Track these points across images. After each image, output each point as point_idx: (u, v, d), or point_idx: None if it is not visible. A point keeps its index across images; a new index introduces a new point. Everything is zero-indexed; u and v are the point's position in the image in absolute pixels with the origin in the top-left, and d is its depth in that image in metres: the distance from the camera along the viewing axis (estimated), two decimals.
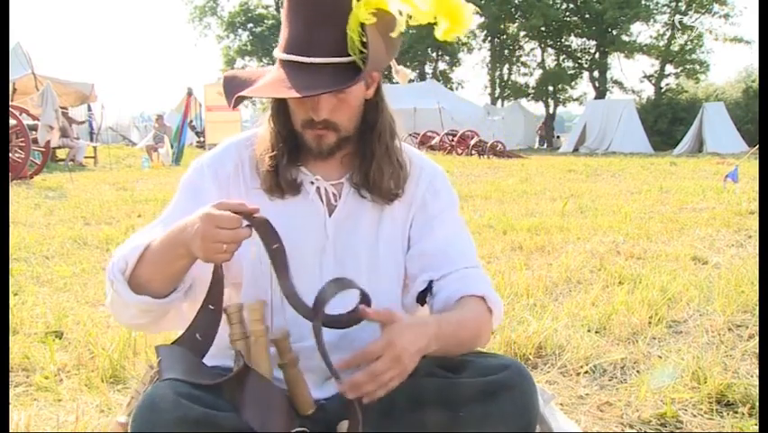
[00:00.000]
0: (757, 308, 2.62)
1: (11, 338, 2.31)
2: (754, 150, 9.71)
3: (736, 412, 1.80)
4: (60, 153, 13.46)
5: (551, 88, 34.36)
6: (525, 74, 36.82)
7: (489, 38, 36.01)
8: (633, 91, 33.68)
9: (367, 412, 1.17)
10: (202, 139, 18.58)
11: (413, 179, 1.36)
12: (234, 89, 1.21)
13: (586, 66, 34.49)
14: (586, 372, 2.10)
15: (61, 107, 12.17)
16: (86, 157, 13.64)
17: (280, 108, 1.28)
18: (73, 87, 15.77)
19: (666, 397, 1.86)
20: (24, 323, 2.52)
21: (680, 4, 31.15)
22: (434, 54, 37.79)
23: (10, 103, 9.91)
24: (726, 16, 30.81)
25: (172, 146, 13.77)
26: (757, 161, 8.32)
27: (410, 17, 1.16)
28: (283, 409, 1.12)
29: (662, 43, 31.91)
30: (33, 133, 10.04)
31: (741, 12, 47.02)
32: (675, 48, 31.75)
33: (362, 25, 1.11)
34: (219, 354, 1.24)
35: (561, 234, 4.79)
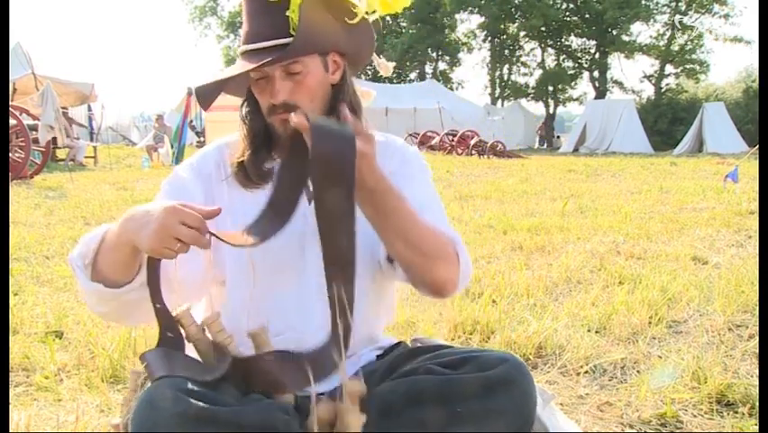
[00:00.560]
0: (757, 308, 2.62)
1: (11, 338, 2.31)
2: (754, 150, 9.71)
3: (736, 412, 1.80)
4: (60, 153, 13.46)
5: (551, 88, 34.35)
6: (525, 74, 36.84)
7: (489, 38, 36.00)
8: (633, 91, 33.70)
9: (366, 411, 1.17)
10: (202, 139, 18.56)
11: (383, 154, 1.34)
12: (203, 91, 1.29)
13: (586, 66, 34.49)
14: (586, 372, 2.10)
15: (62, 107, 12.17)
16: (86, 157, 13.64)
17: (250, 103, 1.32)
18: (73, 87, 15.77)
19: (666, 397, 1.86)
20: (24, 323, 2.52)
21: (680, 4, 31.15)
22: (434, 54, 37.78)
23: (10, 103, 9.91)
24: (726, 16, 30.81)
25: (172, 146, 13.77)
26: (757, 161, 8.32)
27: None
28: (297, 368, 1.11)
29: (662, 43, 31.91)
30: (33, 133, 10.04)
31: (741, 12, 47.12)
32: (675, 48, 31.75)
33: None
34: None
35: (561, 234, 4.79)
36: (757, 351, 2.18)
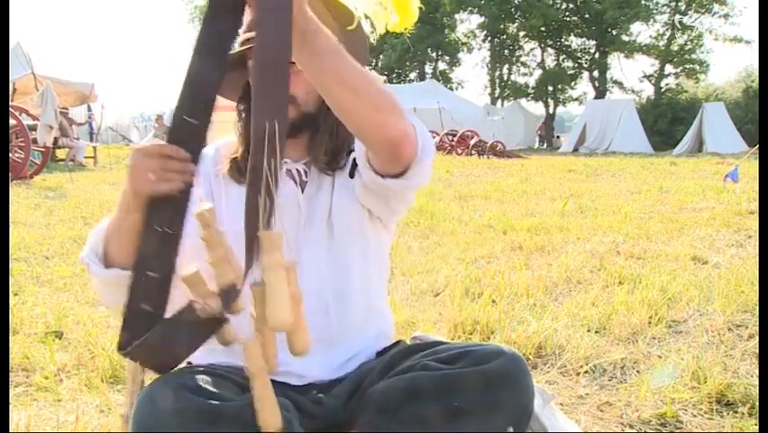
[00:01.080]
0: (757, 308, 2.62)
1: (11, 338, 2.31)
2: (754, 150, 9.71)
3: (736, 412, 1.80)
4: (60, 153, 13.45)
5: (551, 88, 34.34)
6: (524, 74, 36.82)
7: (489, 38, 36.00)
8: (633, 91, 33.68)
9: (365, 409, 1.18)
10: None
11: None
12: None
13: (586, 66, 34.48)
14: (586, 372, 2.10)
15: (61, 107, 12.17)
16: (86, 157, 13.63)
17: (245, 102, 1.35)
18: (73, 87, 15.76)
19: (666, 397, 1.86)
20: (24, 323, 2.52)
21: (680, 4, 31.14)
22: (434, 54, 37.78)
23: (10, 103, 9.91)
24: (726, 16, 30.80)
25: None
26: (757, 161, 8.32)
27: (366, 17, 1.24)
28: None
29: (661, 43, 31.90)
30: (33, 133, 10.04)
31: (741, 12, 47.07)
32: (675, 48, 31.74)
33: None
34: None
35: (561, 234, 4.79)
36: (757, 351, 2.18)
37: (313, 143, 1.35)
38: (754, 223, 5.18)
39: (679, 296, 2.92)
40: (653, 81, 32.27)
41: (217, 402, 1.03)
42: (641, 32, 41.84)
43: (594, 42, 33.31)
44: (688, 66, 31.18)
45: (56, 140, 11.16)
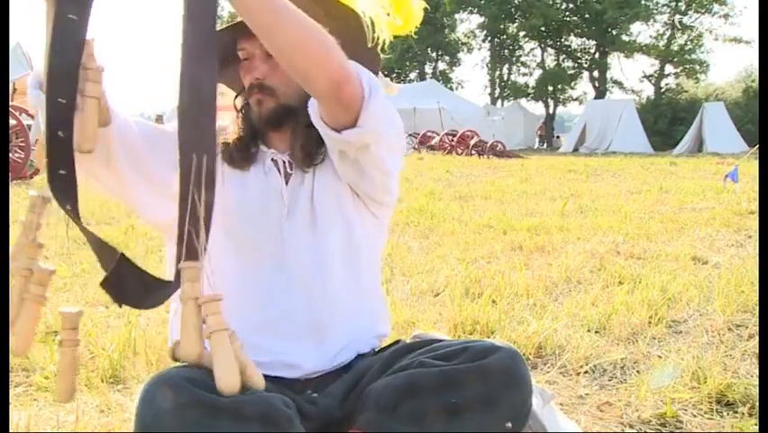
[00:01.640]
0: (757, 308, 2.62)
1: (11, 338, 2.31)
2: (754, 150, 9.71)
3: (736, 412, 1.80)
4: None
5: (551, 88, 34.36)
6: (524, 74, 36.90)
7: (489, 38, 36.03)
8: (633, 91, 33.74)
9: (363, 407, 1.18)
10: None
11: None
12: None
13: (586, 66, 34.51)
14: (586, 372, 2.10)
15: None
16: None
17: (241, 89, 1.41)
18: None
19: (666, 397, 1.86)
20: None
21: (680, 4, 31.17)
22: (434, 54, 37.79)
23: (10, 103, 9.91)
24: (726, 16, 30.87)
25: None
26: (757, 161, 8.32)
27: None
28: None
29: (661, 43, 31.93)
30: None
31: (741, 12, 47.09)
32: (675, 48, 31.76)
33: None
34: None
35: (561, 234, 4.79)
36: (757, 351, 2.18)
37: (293, 137, 1.37)
38: (754, 223, 5.18)
39: (679, 296, 2.92)
40: (653, 81, 32.31)
41: (218, 396, 1.03)
42: (641, 32, 41.97)
43: (594, 42, 33.34)
44: (688, 66, 31.21)
45: None
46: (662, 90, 31.70)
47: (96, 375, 2.02)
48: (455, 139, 18.41)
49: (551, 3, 31.96)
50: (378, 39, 1.32)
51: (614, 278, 3.32)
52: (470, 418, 1.13)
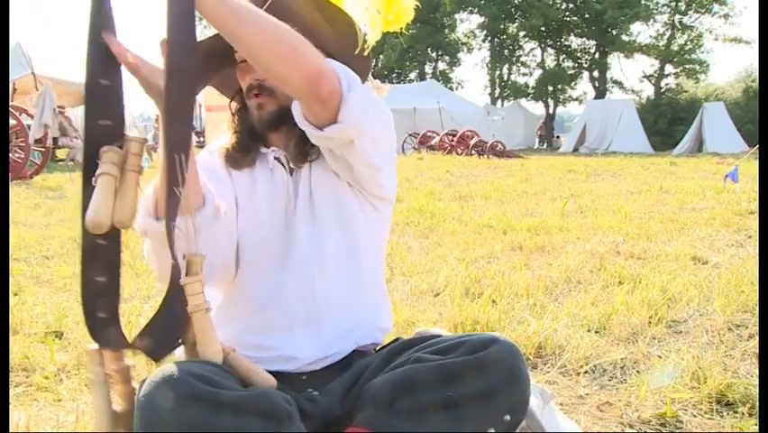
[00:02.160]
0: (757, 308, 2.62)
1: (11, 338, 2.31)
2: (754, 150, 9.70)
3: (736, 412, 1.80)
4: (60, 153, 13.45)
5: (551, 88, 34.36)
6: (524, 74, 36.88)
7: (489, 38, 36.02)
8: (633, 91, 33.73)
9: (362, 405, 1.18)
10: (201, 139, 18.57)
11: None
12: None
13: (586, 66, 34.50)
14: (586, 372, 2.10)
15: (58, 106, 12.16)
16: None
17: (239, 99, 1.43)
18: (73, 87, 15.75)
19: (666, 397, 1.86)
20: (24, 323, 2.52)
21: (680, 4, 31.16)
22: (434, 54, 37.78)
23: (10, 103, 9.91)
24: (726, 16, 30.85)
25: None
26: (757, 161, 8.32)
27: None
28: None
29: (661, 43, 31.92)
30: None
31: (741, 12, 47.02)
32: (675, 48, 31.75)
33: None
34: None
35: (561, 234, 4.79)
36: (757, 351, 2.18)
37: (288, 136, 1.39)
38: (754, 223, 5.18)
39: (679, 296, 2.92)
40: (653, 81, 32.30)
41: (219, 390, 1.03)
42: (641, 32, 41.98)
43: (594, 42, 33.33)
44: (688, 66, 31.20)
45: (55, 140, 11.15)
46: (662, 90, 31.70)
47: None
48: (455, 139, 18.39)
49: (551, 3, 31.94)
50: (368, 40, 1.33)
51: (614, 278, 3.32)
52: (468, 411, 1.13)
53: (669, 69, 32.14)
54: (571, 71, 34.95)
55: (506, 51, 36.56)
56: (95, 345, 1.15)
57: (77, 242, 4.40)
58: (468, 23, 40.60)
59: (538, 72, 35.59)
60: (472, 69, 64.61)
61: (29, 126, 9.89)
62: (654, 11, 31.60)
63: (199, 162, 1.32)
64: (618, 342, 2.39)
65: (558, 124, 39.93)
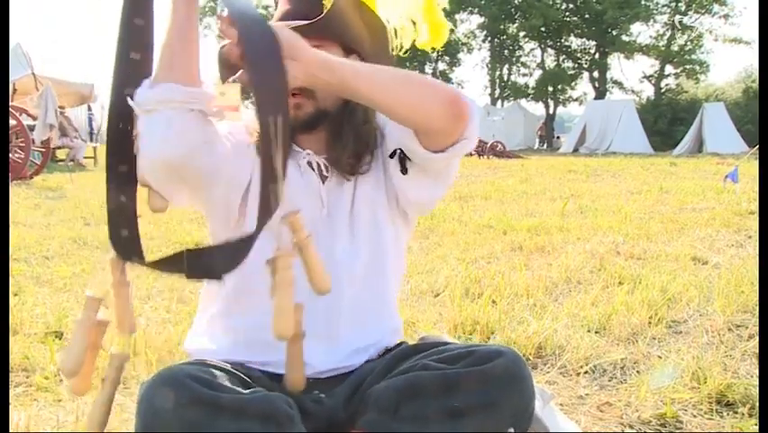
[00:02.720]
0: (757, 308, 2.62)
1: (11, 338, 2.31)
2: (754, 150, 9.71)
3: (736, 412, 1.80)
4: (60, 153, 13.45)
5: (551, 89, 34.35)
6: (524, 74, 36.87)
7: (489, 38, 36.02)
8: (633, 91, 33.73)
9: (365, 409, 1.18)
10: None
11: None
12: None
13: (586, 66, 34.50)
14: (586, 372, 2.10)
15: (59, 106, 12.17)
16: (85, 157, 13.64)
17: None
18: (73, 87, 15.76)
19: (666, 397, 1.86)
20: (24, 323, 2.52)
21: (680, 4, 31.17)
22: (434, 54, 37.76)
23: (10, 103, 9.91)
24: (726, 17, 30.85)
25: None
26: (757, 161, 8.32)
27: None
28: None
29: (662, 43, 31.92)
30: (33, 133, 10.04)
31: (741, 12, 46.96)
32: (675, 48, 31.76)
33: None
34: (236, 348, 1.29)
35: (561, 234, 4.79)
36: (757, 351, 2.18)
37: (335, 145, 1.34)
38: (754, 223, 5.18)
39: (679, 296, 2.92)
40: (653, 81, 32.30)
41: (219, 393, 1.03)
42: (641, 32, 41.95)
43: (594, 43, 33.33)
44: (688, 66, 31.20)
45: (49, 139, 11.13)
46: (663, 91, 31.70)
47: (96, 375, 2.01)
48: None
49: (551, 3, 31.94)
50: (396, 47, 1.34)
51: (614, 278, 3.32)
52: (471, 421, 1.13)
53: (669, 69, 32.14)
54: (571, 72, 34.94)
55: (506, 52, 36.55)
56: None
57: (77, 242, 4.42)
58: (468, 23, 40.52)
59: (538, 72, 35.59)
60: (472, 69, 64.51)
61: (30, 127, 9.89)
62: (654, 11, 31.62)
63: (228, 124, 1.29)
64: (618, 342, 2.39)
65: (558, 124, 39.92)
